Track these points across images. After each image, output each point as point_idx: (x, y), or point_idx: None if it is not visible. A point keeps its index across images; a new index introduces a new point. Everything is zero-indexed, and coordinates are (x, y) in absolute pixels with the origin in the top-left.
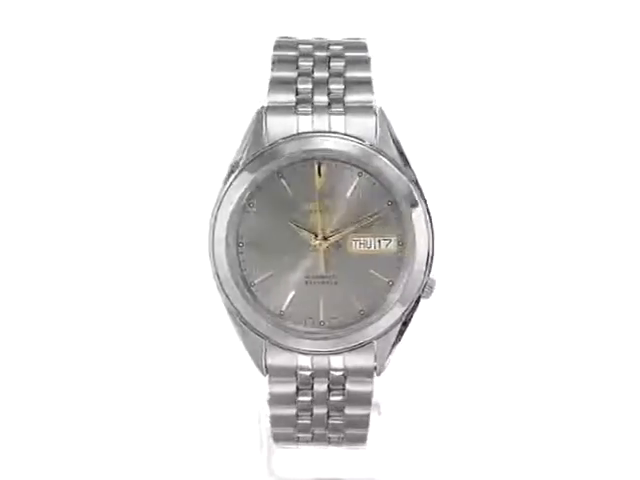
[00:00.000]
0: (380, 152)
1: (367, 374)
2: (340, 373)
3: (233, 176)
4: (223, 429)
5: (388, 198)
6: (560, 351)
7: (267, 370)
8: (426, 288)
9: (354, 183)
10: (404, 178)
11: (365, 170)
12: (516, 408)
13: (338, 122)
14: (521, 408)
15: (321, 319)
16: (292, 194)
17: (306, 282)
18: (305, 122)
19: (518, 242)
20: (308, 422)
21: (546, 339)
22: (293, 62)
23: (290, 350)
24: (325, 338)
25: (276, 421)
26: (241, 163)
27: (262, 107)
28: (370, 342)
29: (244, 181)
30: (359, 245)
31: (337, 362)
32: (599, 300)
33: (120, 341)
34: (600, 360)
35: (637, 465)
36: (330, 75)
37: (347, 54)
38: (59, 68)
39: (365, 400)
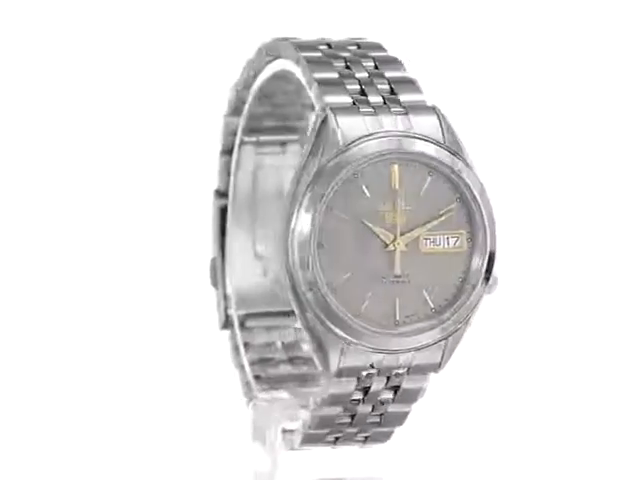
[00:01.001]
0: (449, 150)
1: (429, 371)
2: (404, 370)
3: (312, 178)
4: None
5: (457, 196)
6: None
7: (338, 372)
8: (491, 284)
9: (425, 182)
10: (472, 175)
11: (435, 169)
12: (521, 409)
13: (404, 122)
14: (526, 409)
15: (397, 318)
16: (369, 195)
17: (382, 282)
18: (373, 122)
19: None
20: (347, 421)
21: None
22: (326, 63)
23: (366, 350)
24: (399, 337)
25: (319, 423)
26: (319, 165)
27: (326, 107)
28: (442, 340)
29: (325, 183)
30: (430, 243)
31: (406, 360)
32: None
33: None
34: None
35: None
36: (370, 75)
37: (372, 54)
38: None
39: (415, 396)
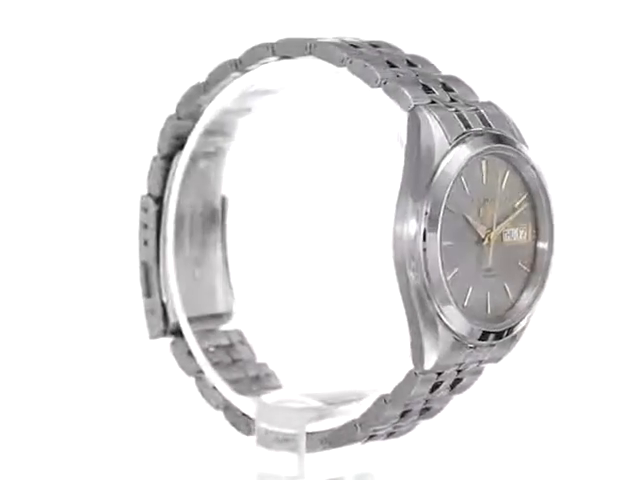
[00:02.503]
0: (523, 144)
1: (490, 362)
2: (477, 364)
3: (429, 179)
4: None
5: (526, 189)
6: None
7: (433, 368)
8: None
9: (505, 177)
10: (538, 170)
11: (512, 163)
12: (518, 407)
13: (483, 118)
14: (524, 407)
15: (488, 312)
16: (468, 191)
17: (478, 276)
18: (461, 120)
19: None
20: (397, 420)
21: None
22: (378, 64)
23: (468, 346)
24: (487, 330)
25: (375, 422)
26: (432, 166)
27: (420, 106)
28: (514, 331)
29: (442, 184)
30: (507, 237)
31: (486, 354)
32: None
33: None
34: None
35: None
36: (418, 74)
37: (396, 54)
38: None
39: (465, 389)
